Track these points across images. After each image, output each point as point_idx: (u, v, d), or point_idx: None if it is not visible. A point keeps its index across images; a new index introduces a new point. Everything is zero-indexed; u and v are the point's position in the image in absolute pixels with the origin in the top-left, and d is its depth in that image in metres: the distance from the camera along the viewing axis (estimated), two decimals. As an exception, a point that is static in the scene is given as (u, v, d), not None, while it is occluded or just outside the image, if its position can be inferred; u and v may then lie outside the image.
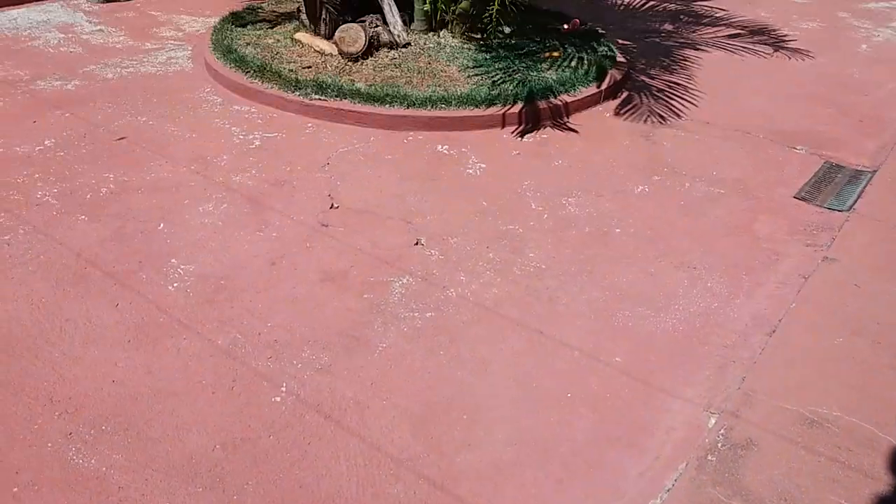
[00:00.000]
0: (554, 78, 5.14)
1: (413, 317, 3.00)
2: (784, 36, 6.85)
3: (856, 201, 4.08)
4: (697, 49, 6.36)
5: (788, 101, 5.42)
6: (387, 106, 4.68)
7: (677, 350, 2.94)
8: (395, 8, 5.47)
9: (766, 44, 6.60)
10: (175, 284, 3.09)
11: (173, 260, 3.24)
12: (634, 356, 2.88)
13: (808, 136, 4.87)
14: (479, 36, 5.62)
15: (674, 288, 3.31)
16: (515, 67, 5.25)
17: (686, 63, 6.01)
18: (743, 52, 6.35)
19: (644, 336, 3.00)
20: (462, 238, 3.57)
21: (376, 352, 2.81)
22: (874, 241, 3.74)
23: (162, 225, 3.48)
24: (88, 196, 3.67)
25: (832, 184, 4.27)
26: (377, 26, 5.35)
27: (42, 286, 3.04)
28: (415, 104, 4.70)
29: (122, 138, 4.24)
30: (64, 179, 3.80)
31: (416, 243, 3.51)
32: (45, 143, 4.15)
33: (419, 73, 5.07)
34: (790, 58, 6.31)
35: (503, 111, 4.78)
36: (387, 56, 5.27)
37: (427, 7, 5.51)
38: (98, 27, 5.98)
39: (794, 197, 4.12)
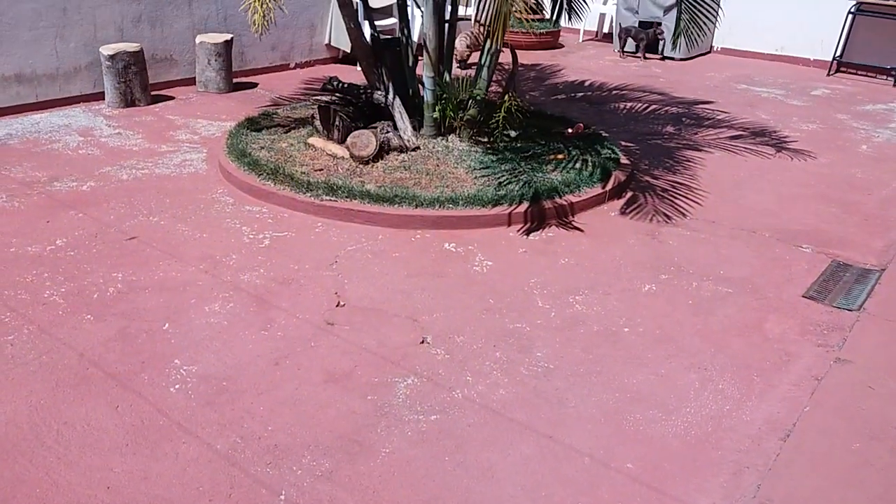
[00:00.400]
0: (559, 179, 5.23)
1: (418, 420, 2.94)
2: (785, 137, 7.00)
3: (865, 301, 4.05)
4: (700, 150, 6.49)
5: (793, 201, 5.47)
6: (395, 206, 4.75)
7: (690, 455, 2.84)
8: (405, 115, 5.66)
9: (768, 144, 6.74)
10: (177, 386, 3.05)
11: (176, 360, 3.21)
12: (646, 462, 2.79)
13: (815, 234, 4.89)
14: (485, 140, 5.78)
15: (685, 390, 3.24)
16: (521, 169, 5.36)
17: (689, 163, 6.13)
18: (745, 153, 6.48)
19: (656, 440, 2.91)
20: (468, 336, 3.54)
21: (379, 457, 2.73)
22: (887, 341, 3.68)
23: (167, 325, 3.47)
24: (96, 295, 3.69)
25: (840, 283, 4.25)
26: (388, 132, 5.52)
27: (42, 388, 3.01)
28: (423, 204, 4.77)
29: (133, 238, 4.30)
30: (72, 279, 3.83)
31: (422, 342, 3.48)
32: (57, 242, 4.21)
33: (428, 174, 5.18)
34: (792, 158, 6.42)
35: (509, 210, 4.85)
36: (397, 159, 5.40)
37: (436, 114, 5.69)
38: (117, 130, 6.19)
39: (803, 296, 4.09)
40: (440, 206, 4.78)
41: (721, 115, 7.61)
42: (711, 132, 7.04)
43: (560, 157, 5.64)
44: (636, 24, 10.33)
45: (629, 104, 7.90)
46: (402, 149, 5.51)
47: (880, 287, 4.21)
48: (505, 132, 5.74)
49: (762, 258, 4.52)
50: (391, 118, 5.72)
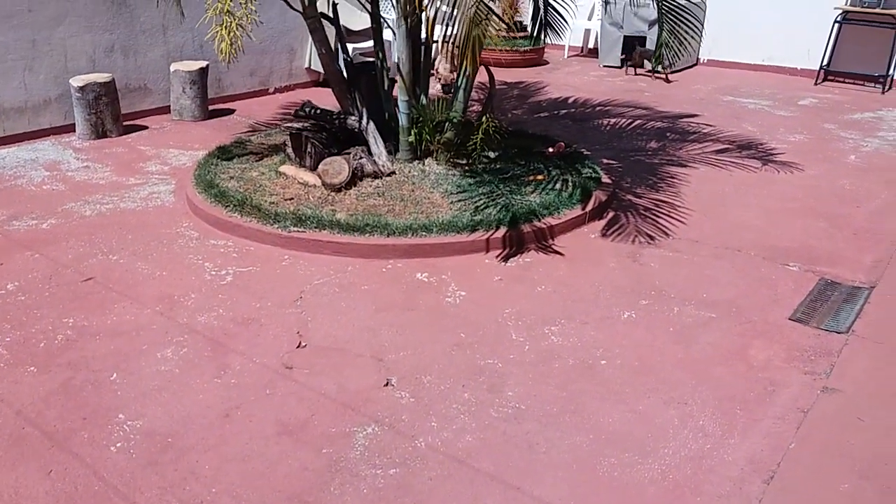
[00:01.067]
0: (538, 201, 5.07)
1: (375, 475, 2.74)
2: (772, 149, 6.84)
3: (854, 322, 3.86)
4: (684, 165, 6.33)
5: (780, 216, 5.30)
6: (366, 235, 4.58)
7: (667, 503, 2.65)
8: (379, 140, 5.51)
9: (754, 157, 6.58)
10: (118, 444, 2.86)
11: (121, 415, 3.02)
12: (619, 513, 2.60)
13: (802, 251, 4.71)
14: (463, 162, 5.61)
15: (663, 428, 3.04)
16: (499, 192, 5.20)
17: (673, 180, 5.96)
18: (731, 167, 6.32)
19: (631, 487, 2.72)
20: (436, 376, 3.36)
21: (329, 519, 2.54)
22: (876, 367, 3.49)
23: (115, 375, 3.28)
24: (42, 344, 3.50)
25: (828, 303, 4.07)
26: (361, 157, 5.36)
27: (-25, 450, 2.82)
28: (395, 233, 4.60)
29: (90, 279, 4.13)
30: (20, 326, 3.64)
31: (387, 384, 3.30)
32: (8, 287, 4.03)
33: (402, 200, 5.02)
34: (779, 171, 6.26)
35: (486, 236, 4.68)
36: (370, 185, 5.24)
37: (412, 138, 5.54)
38: (85, 164, 6.03)
39: (790, 318, 3.91)
40: (413, 234, 4.61)
41: (706, 129, 7.46)
42: (696, 146, 6.88)
43: (540, 177, 5.47)
44: (621, 39, 10.24)
45: (613, 120, 7.75)
46: (377, 174, 5.35)
47: (869, 307, 4.03)
48: (484, 153, 5.58)
49: (747, 278, 4.35)
50: (366, 143, 5.57)
